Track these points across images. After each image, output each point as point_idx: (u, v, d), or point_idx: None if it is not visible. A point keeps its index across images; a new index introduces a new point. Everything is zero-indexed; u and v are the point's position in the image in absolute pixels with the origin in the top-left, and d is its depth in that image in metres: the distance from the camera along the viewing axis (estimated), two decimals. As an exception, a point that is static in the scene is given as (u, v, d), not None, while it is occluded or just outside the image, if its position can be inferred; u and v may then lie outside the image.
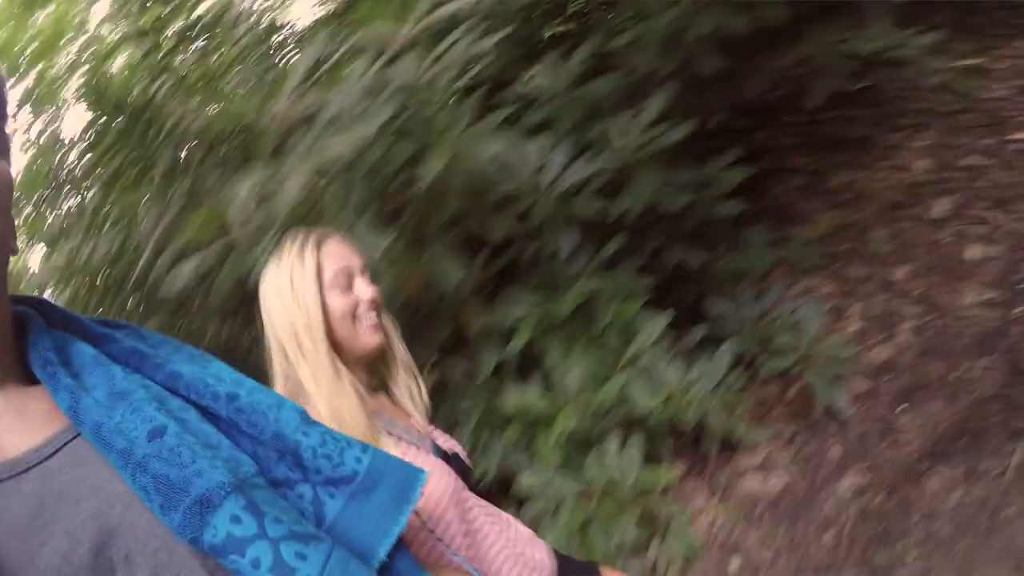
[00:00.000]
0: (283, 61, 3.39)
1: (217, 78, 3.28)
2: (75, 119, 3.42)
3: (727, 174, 2.63)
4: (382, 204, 2.29)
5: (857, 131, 3.12)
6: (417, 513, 0.91)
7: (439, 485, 0.97)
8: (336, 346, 1.01)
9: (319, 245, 1.03)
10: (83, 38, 3.40)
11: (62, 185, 3.44)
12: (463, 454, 1.14)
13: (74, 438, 0.46)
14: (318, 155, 2.07)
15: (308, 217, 2.19)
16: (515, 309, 2.43)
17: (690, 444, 2.58)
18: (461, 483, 1.04)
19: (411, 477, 0.53)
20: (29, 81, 3.35)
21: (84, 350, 0.50)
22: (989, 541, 1.98)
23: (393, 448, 0.98)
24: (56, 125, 3.49)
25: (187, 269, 2.31)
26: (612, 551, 2.19)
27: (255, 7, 3.35)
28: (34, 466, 0.44)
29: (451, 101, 2.34)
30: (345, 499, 0.48)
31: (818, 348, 2.69)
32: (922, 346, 2.72)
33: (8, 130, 0.49)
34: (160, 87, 3.00)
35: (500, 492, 2.41)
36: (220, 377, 0.51)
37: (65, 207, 3.51)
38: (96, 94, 2.98)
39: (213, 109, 3.03)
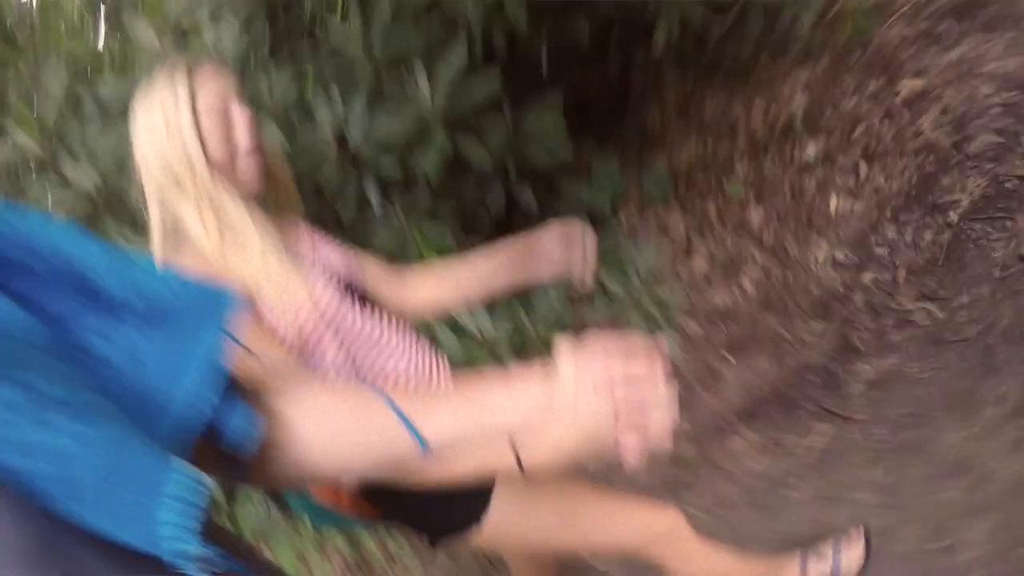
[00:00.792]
0: None
1: None
2: None
3: (548, 116, 2.27)
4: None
5: (741, 57, 2.76)
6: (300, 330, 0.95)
7: (317, 303, 0.95)
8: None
9: (191, 73, 0.95)
10: None
11: None
12: (353, 268, 1.10)
13: None
14: None
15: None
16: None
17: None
18: (347, 301, 1.00)
19: (221, 303, 0.50)
20: None
21: None
22: (771, 520, 1.80)
23: (299, 270, 0.96)
24: None
25: None
26: None
27: None
28: None
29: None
30: (147, 332, 0.45)
31: (652, 291, 2.43)
32: (762, 298, 2.50)
33: None
34: None
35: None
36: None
37: None
38: None
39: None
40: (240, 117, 0.94)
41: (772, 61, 2.85)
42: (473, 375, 0.68)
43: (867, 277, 2.41)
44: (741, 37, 2.66)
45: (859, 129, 2.65)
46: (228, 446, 0.49)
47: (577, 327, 2.41)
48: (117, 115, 2.11)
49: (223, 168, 0.93)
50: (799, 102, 2.80)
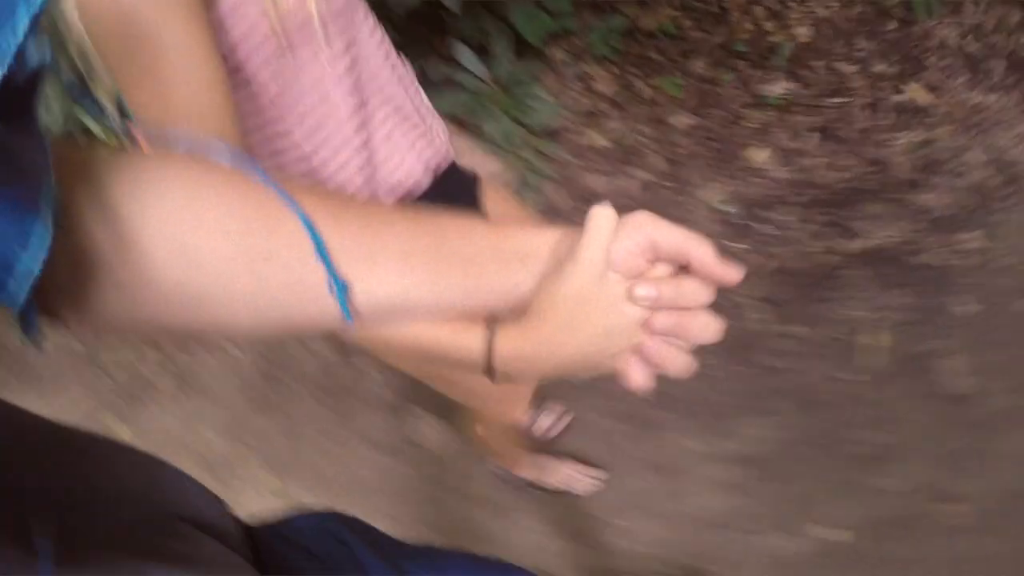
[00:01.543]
0: None
1: None
2: None
3: None
4: None
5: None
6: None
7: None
8: None
9: None
10: None
11: None
12: None
13: None
14: None
15: None
16: None
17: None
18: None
19: None
20: None
21: None
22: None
23: None
24: None
25: None
26: None
27: None
28: None
29: None
30: None
31: (532, 142, 1.87)
32: (641, 204, 2.02)
33: None
34: None
35: None
36: None
37: None
38: None
39: None
40: None
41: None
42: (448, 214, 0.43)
43: (737, 247, 1.98)
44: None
45: (836, 99, 2.13)
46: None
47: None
48: None
49: None
50: (802, 33, 2.22)
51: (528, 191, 2.00)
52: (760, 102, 2.13)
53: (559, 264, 0.40)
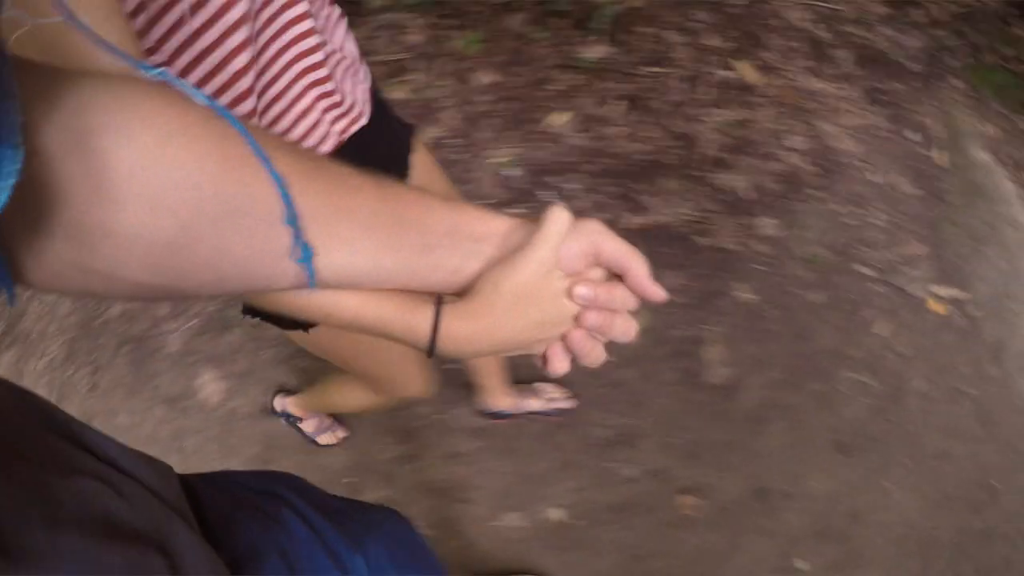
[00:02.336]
0: None
1: None
2: None
3: None
4: None
5: None
6: None
7: None
8: None
9: None
10: None
11: None
12: None
13: None
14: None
15: None
16: None
17: None
18: None
19: None
20: None
21: None
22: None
23: None
24: None
25: None
26: None
27: None
28: None
29: None
30: None
31: None
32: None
33: None
34: None
35: None
36: None
37: None
38: None
39: None
40: None
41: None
42: (412, 187, 0.45)
43: (513, 211, 1.83)
44: None
45: (654, 68, 1.98)
46: None
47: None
48: None
49: None
50: (636, -1, 2.08)
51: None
52: (572, 64, 1.99)
53: (510, 254, 0.43)
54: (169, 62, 0.56)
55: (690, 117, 1.93)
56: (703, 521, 1.48)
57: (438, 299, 0.46)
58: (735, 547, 1.46)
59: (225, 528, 0.46)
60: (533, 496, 1.51)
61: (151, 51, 0.55)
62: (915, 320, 1.71)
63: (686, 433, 1.56)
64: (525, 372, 1.58)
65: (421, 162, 0.95)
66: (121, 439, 0.39)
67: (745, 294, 1.71)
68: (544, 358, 0.48)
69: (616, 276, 0.47)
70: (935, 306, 1.75)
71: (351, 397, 1.23)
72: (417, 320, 0.45)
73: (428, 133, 1.93)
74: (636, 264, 0.45)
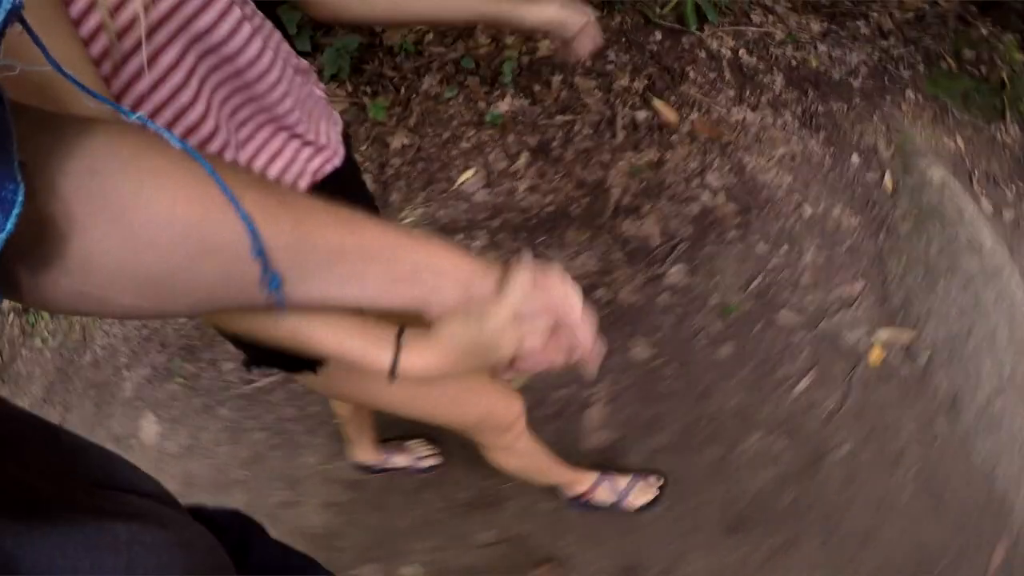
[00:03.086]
0: None
1: None
2: None
3: None
4: None
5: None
6: None
7: None
8: None
9: None
10: None
11: None
12: None
13: None
14: None
15: None
16: None
17: None
18: None
19: None
20: None
21: None
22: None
23: None
24: None
25: None
26: None
27: None
28: None
29: None
30: None
31: None
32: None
33: None
34: None
35: None
36: None
37: None
38: None
39: None
40: None
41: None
42: (380, 221, 0.47)
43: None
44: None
45: (562, 117, 1.90)
46: None
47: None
48: None
49: None
50: (545, 47, 2.02)
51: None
52: (481, 120, 1.94)
53: (472, 306, 0.47)
54: (135, 108, 0.59)
55: (600, 164, 1.83)
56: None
57: (399, 332, 0.51)
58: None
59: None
60: (394, 551, 1.42)
61: (117, 97, 0.58)
62: (848, 371, 1.52)
63: (553, 500, 1.43)
64: (397, 429, 1.51)
65: None
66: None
67: (641, 351, 1.56)
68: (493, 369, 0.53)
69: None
70: (875, 353, 1.55)
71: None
72: (379, 353, 0.51)
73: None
74: (582, 333, 0.51)
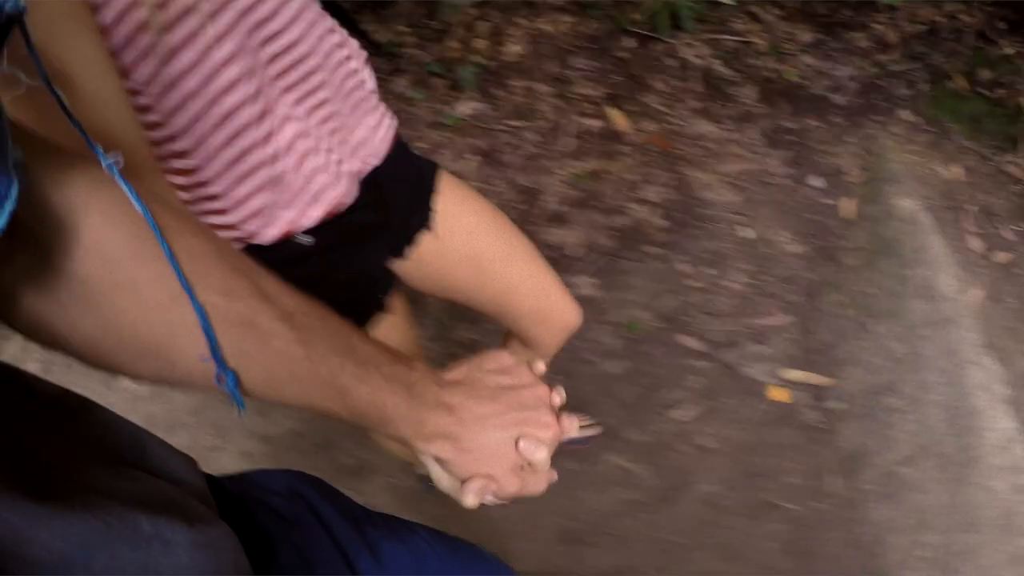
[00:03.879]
0: None
1: None
2: None
3: None
4: None
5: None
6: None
7: None
8: None
9: None
10: None
11: None
12: None
13: None
14: None
15: None
16: None
17: None
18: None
19: None
20: None
21: None
22: None
23: None
24: None
25: None
26: None
27: None
28: None
29: None
30: None
31: None
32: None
33: None
34: None
35: None
36: None
37: None
38: None
39: None
40: None
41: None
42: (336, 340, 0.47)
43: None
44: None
45: (515, 122, 1.89)
46: None
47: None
48: None
49: None
50: (512, 52, 2.01)
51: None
52: (441, 122, 1.98)
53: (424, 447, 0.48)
54: (181, 104, 0.58)
55: (542, 170, 1.81)
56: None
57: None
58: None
59: (242, 520, 0.48)
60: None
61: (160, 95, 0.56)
62: (739, 407, 1.40)
63: (411, 478, 1.41)
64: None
65: (447, 200, 0.88)
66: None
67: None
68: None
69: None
70: (776, 394, 1.42)
71: None
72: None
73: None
74: (540, 461, 0.50)
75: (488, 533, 1.34)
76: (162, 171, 0.62)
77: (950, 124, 1.80)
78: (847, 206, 1.64)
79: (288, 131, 0.65)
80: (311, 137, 0.67)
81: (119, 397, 1.85)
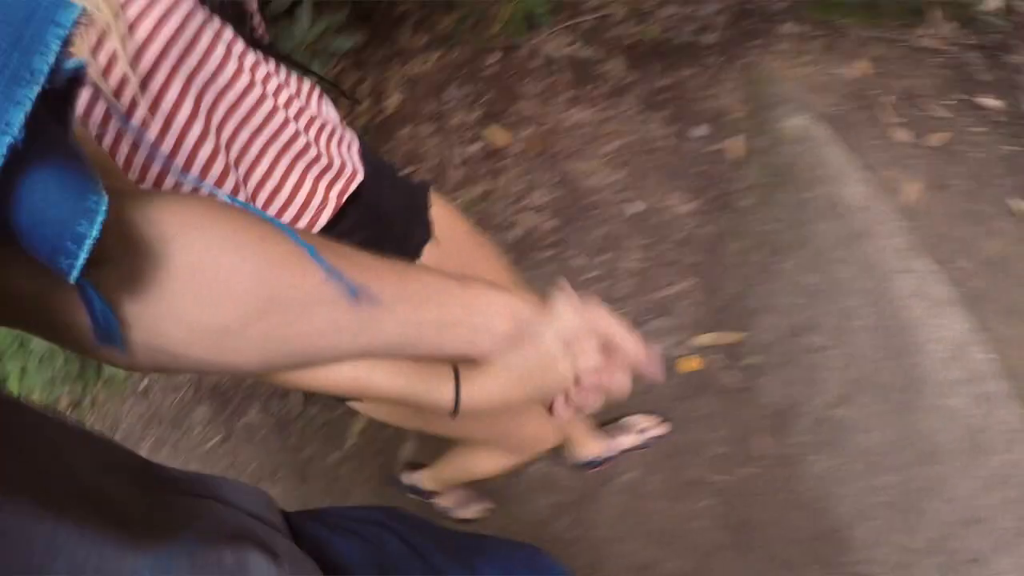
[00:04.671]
0: None
1: None
2: None
3: None
4: None
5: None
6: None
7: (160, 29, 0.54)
8: None
9: None
10: None
11: None
12: None
13: None
14: None
15: None
16: None
17: None
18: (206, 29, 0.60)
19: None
20: None
21: None
22: None
23: None
24: None
25: None
26: None
27: None
28: None
29: None
30: None
31: None
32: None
33: None
34: None
35: None
36: None
37: None
38: None
39: None
40: None
41: (415, 31, 2.05)
42: (420, 268, 0.54)
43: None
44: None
45: (408, 167, 1.90)
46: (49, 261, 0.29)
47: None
48: None
49: None
50: (392, 104, 2.03)
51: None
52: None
53: (519, 335, 0.48)
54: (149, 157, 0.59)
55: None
56: None
57: (455, 370, 0.53)
58: None
59: (320, 550, 0.49)
60: None
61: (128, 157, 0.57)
62: (650, 388, 1.29)
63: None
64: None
65: (441, 217, 0.92)
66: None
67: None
68: (550, 408, 0.56)
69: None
70: (686, 364, 1.30)
71: (487, 463, 1.10)
72: (440, 391, 0.53)
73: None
74: (630, 346, 0.50)
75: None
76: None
77: (841, 20, 1.65)
78: (734, 146, 1.52)
79: (267, 187, 0.66)
80: (293, 175, 0.68)
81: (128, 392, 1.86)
